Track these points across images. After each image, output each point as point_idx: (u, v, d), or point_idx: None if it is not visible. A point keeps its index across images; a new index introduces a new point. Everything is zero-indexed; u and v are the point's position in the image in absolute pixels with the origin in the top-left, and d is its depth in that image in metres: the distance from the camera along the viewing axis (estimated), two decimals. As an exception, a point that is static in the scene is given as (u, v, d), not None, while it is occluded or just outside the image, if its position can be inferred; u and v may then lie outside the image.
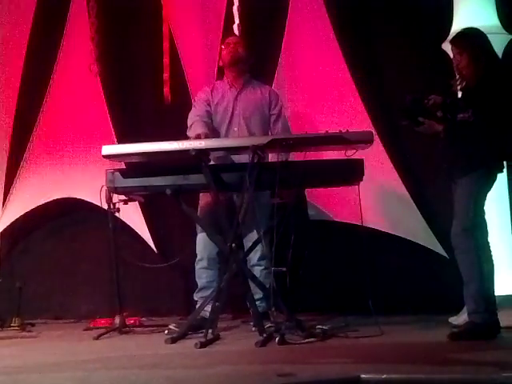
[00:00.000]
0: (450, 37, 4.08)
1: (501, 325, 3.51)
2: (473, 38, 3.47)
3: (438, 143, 3.54)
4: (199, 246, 3.99)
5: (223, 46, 4.22)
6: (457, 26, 4.10)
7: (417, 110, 3.48)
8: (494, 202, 3.93)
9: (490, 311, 3.29)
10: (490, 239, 3.41)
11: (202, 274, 3.99)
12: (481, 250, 3.34)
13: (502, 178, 3.95)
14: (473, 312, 3.31)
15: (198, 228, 3.99)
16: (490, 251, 3.40)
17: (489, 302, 3.31)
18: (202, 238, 3.98)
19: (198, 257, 4.01)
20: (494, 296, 3.38)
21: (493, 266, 3.38)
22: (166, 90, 4.89)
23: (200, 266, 4.00)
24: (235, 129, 4.06)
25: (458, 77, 3.52)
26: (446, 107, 3.45)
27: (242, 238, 3.88)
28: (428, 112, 3.47)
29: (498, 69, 3.42)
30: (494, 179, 3.49)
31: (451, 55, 4.10)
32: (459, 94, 3.61)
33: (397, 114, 3.77)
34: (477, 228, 3.36)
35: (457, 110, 3.39)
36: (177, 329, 3.71)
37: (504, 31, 4.04)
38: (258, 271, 3.92)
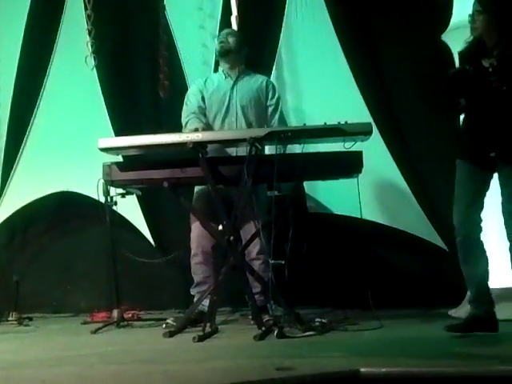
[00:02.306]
0: (450, 28, 4.08)
1: (501, 318, 3.50)
2: None
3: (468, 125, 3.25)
4: (194, 242, 3.97)
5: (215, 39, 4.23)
6: (457, 17, 4.06)
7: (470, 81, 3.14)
8: (492, 191, 3.91)
9: (490, 303, 3.24)
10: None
11: (198, 270, 3.98)
12: None
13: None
14: (474, 301, 3.25)
15: (192, 223, 3.96)
16: None
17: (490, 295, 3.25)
18: (196, 233, 3.95)
19: (193, 252, 3.98)
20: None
21: None
22: (164, 83, 4.86)
23: (195, 261, 3.98)
24: (233, 119, 4.04)
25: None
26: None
27: (239, 231, 3.86)
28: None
29: None
30: None
31: (451, 46, 4.08)
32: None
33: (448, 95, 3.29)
34: None
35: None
36: (174, 323, 3.70)
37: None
38: (256, 265, 3.90)
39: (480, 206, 3.25)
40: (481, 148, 3.19)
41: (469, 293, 3.85)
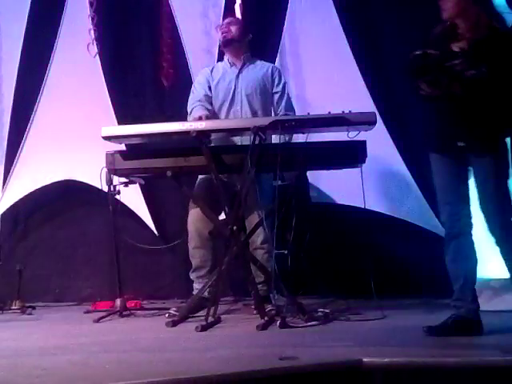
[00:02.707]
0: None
1: (503, 308, 3.50)
2: None
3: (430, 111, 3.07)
4: (190, 225, 3.97)
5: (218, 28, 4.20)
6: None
7: (431, 65, 2.87)
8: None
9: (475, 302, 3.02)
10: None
11: (196, 254, 3.98)
12: None
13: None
14: (457, 300, 3.03)
15: (191, 208, 3.96)
16: None
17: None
18: (193, 217, 3.95)
19: (190, 236, 3.98)
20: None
21: None
22: (168, 71, 4.84)
23: (192, 245, 3.98)
24: (238, 107, 4.02)
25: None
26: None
27: (243, 220, 3.85)
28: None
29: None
30: None
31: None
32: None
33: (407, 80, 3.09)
34: None
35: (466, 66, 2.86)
36: (177, 313, 3.70)
37: (510, 10, 3.97)
38: (260, 254, 3.89)
39: (467, 201, 3.03)
40: (449, 138, 2.98)
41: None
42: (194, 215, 3.93)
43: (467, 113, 2.92)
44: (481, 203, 2.99)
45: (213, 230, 3.88)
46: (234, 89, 4.04)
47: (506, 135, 3.01)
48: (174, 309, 3.86)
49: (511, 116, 2.93)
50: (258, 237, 3.89)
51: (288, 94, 4.10)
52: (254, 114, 3.99)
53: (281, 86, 4.08)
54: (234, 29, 4.07)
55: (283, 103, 4.05)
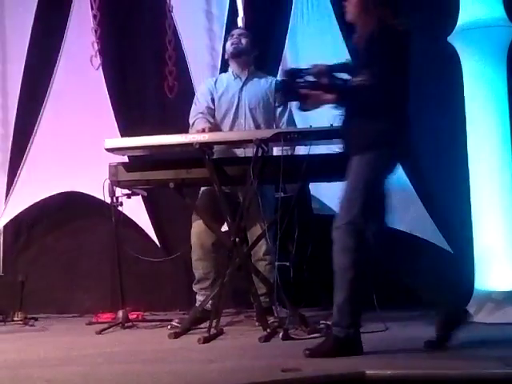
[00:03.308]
0: (457, 29, 4.06)
1: (505, 321, 3.50)
2: None
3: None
4: (194, 237, 3.97)
5: (228, 38, 4.20)
6: (463, 19, 4.06)
7: (295, 81, 2.90)
8: (497, 193, 3.91)
9: (354, 326, 2.82)
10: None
11: (198, 266, 3.98)
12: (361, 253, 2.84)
13: (507, 166, 3.93)
14: (335, 325, 2.84)
15: (194, 220, 3.97)
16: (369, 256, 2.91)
17: (354, 317, 2.84)
18: (196, 229, 3.95)
19: (193, 247, 3.99)
20: (360, 309, 2.90)
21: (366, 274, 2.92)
22: (170, 82, 4.86)
23: (195, 257, 3.98)
24: (241, 121, 4.03)
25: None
26: (332, 72, 2.90)
27: (245, 231, 3.86)
28: (313, 83, 2.89)
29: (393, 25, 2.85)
30: (393, 162, 2.92)
31: (458, 48, 4.08)
32: None
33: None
34: (362, 223, 2.81)
35: (351, 73, 2.86)
36: (179, 325, 3.70)
37: (511, 24, 3.99)
38: (262, 266, 3.89)
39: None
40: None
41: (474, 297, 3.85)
42: (197, 227, 3.94)
43: (345, 117, 2.94)
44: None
45: (215, 241, 3.89)
46: (238, 102, 4.05)
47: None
48: (176, 320, 3.86)
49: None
50: (261, 248, 3.90)
51: (290, 109, 4.13)
52: (257, 127, 4.00)
53: None
54: (244, 41, 4.09)
55: (285, 117, 4.07)
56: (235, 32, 4.21)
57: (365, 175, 2.83)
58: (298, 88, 2.91)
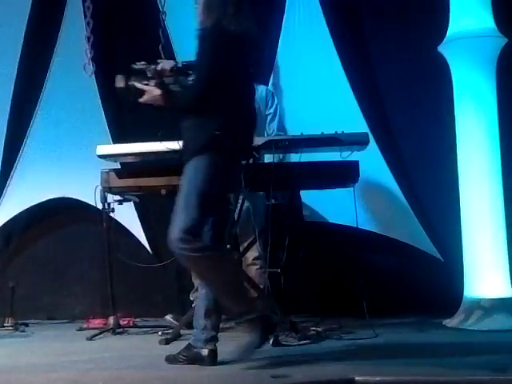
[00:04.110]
0: (447, 39, 4.10)
1: (495, 328, 3.52)
2: None
3: None
4: None
5: None
6: (453, 29, 4.10)
7: (135, 75, 2.90)
8: (487, 201, 3.94)
9: (210, 341, 2.91)
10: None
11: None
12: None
13: (496, 175, 3.96)
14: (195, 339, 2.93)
15: None
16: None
17: (212, 331, 2.93)
18: None
19: None
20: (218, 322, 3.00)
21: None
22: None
23: None
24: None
25: None
26: (177, 72, 2.89)
27: (237, 238, 3.87)
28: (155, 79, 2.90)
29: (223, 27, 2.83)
30: (227, 165, 2.83)
31: (448, 57, 4.12)
32: None
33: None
34: (199, 233, 2.76)
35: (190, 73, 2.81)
36: (173, 320, 3.70)
37: (500, 34, 4.04)
38: (253, 270, 3.91)
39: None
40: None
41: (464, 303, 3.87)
42: None
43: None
44: None
45: None
46: (229, 111, 4.07)
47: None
48: (171, 315, 3.86)
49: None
50: (251, 253, 3.91)
51: (280, 116, 4.16)
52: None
53: (273, 107, 4.15)
54: None
55: (275, 124, 4.11)
56: None
57: (196, 181, 2.76)
58: (134, 87, 2.92)
